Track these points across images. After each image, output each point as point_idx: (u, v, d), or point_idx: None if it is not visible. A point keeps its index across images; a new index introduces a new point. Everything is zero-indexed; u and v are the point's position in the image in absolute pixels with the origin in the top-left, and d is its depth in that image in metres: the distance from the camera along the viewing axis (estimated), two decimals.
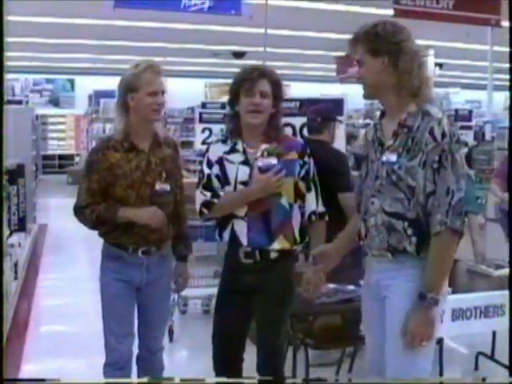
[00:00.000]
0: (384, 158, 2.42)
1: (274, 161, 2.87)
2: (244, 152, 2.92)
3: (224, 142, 3.01)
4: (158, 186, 2.96)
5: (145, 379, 2.76)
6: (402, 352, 2.38)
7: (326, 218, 3.00)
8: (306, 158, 2.95)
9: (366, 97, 2.54)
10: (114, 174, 2.92)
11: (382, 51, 2.39)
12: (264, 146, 2.90)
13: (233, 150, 2.94)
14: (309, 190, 2.95)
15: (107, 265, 3.01)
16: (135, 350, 3.05)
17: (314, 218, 2.95)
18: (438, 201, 2.33)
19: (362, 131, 13.07)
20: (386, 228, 2.41)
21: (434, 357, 3.82)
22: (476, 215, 4.74)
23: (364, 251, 2.58)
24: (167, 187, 2.99)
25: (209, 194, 2.92)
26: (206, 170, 2.96)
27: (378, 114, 2.66)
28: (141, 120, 2.96)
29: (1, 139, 2.67)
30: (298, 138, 5.00)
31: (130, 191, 2.92)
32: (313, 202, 2.95)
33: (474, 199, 4.83)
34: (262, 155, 2.89)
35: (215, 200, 2.90)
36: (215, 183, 2.93)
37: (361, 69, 2.46)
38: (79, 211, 2.96)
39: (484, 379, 2.53)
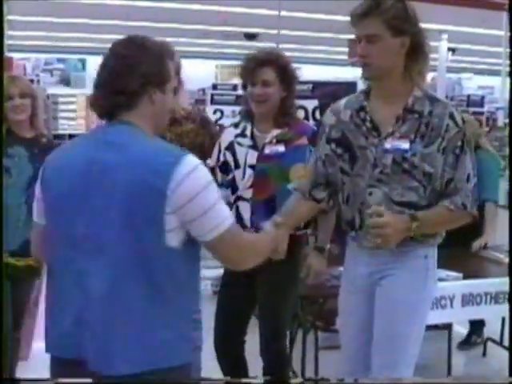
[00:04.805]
0: (388, 146, 2.29)
1: (281, 148, 2.87)
2: (252, 137, 2.92)
3: (236, 126, 3.02)
4: None
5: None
6: (393, 340, 2.32)
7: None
8: None
9: (369, 77, 2.33)
10: None
11: (406, 31, 2.22)
12: (275, 132, 2.89)
13: (242, 135, 2.95)
14: None
15: None
16: None
17: None
18: (460, 184, 2.28)
19: None
20: None
21: (442, 341, 3.87)
22: (495, 204, 4.24)
23: (348, 242, 2.49)
24: None
25: None
26: (210, 163, 2.99)
27: (359, 95, 2.44)
28: None
29: (1, 138, 2.78)
30: (311, 121, 4.99)
31: None
32: None
33: (496, 187, 4.28)
34: (271, 142, 2.88)
35: None
36: (217, 176, 2.95)
37: (374, 46, 2.23)
38: None
39: (483, 378, 2.51)
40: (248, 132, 2.93)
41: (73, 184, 1.73)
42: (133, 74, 1.74)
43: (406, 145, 2.27)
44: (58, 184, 1.76)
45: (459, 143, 2.27)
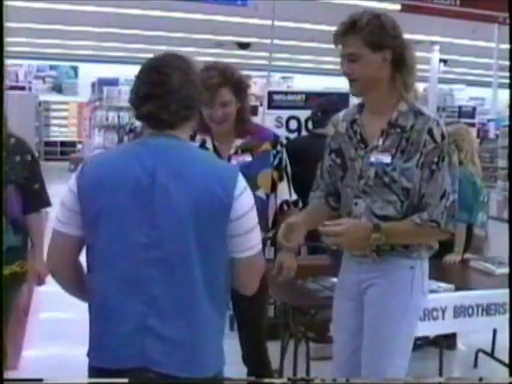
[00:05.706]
0: (373, 159, 2.32)
1: (248, 158, 2.86)
2: (215, 149, 2.88)
3: (192, 138, 2.86)
4: None
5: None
6: (379, 349, 2.34)
7: (300, 205, 2.95)
8: (279, 147, 2.92)
9: (357, 93, 2.38)
10: None
11: (385, 45, 2.25)
12: (238, 142, 2.87)
13: (203, 147, 2.86)
14: (281, 179, 2.92)
15: None
16: None
17: (285, 207, 2.92)
18: (429, 200, 2.27)
19: None
20: None
21: (434, 353, 3.87)
22: (464, 225, 4.17)
23: (341, 250, 2.51)
24: None
25: None
26: None
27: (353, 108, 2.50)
28: None
29: (1, 139, 2.74)
30: (303, 132, 5.00)
31: None
32: (285, 191, 2.93)
33: (468, 208, 4.20)
34: (236, 152, 2.87)
35: None
36: None
37: (357, 64, 2.27)
38: None
39: (481, 379, 2.50)
40: (209, 145, 2.89)
41: (133, 196, 1.72)
42: (196, 88, 1.83)
43: (387, 159, 2.30)
44: (110, 196, 1.73)
45: (435, 159, 2.26)
